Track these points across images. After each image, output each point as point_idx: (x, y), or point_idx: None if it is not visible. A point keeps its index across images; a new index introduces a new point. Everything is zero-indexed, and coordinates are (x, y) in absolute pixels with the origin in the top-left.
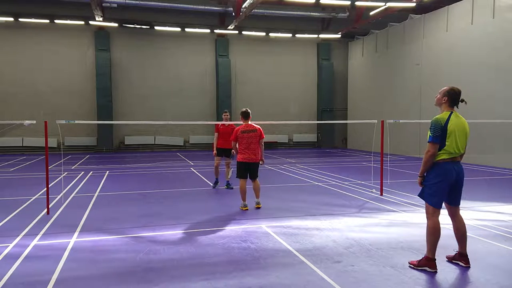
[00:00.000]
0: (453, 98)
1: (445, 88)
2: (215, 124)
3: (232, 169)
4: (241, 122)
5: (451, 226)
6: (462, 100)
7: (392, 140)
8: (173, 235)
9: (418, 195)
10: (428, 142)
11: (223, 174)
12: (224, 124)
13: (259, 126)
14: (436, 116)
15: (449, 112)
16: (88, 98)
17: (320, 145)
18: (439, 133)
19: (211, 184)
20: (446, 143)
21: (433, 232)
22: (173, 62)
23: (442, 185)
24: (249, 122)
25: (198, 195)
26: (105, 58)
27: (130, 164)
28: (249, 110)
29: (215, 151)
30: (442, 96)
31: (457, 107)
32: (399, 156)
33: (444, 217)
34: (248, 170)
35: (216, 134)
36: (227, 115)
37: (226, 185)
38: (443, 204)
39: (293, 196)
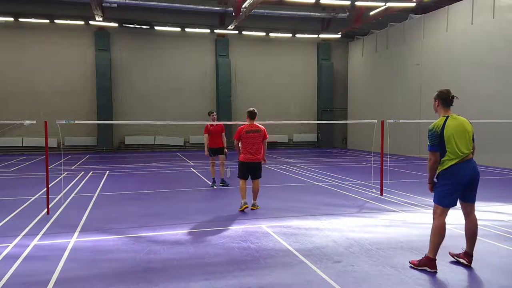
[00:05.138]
0: (444, 99)
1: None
2: (205, 124)
3: (229, 168)
4: (246, 122)
5: (455, 226)
6: (453, 97)
7: (392, 140)
8: (173, 235)
9: (433, 200)
10: (428, 151)
11: (218, 172)
12: (212, 124)
13: (263, 127)
14: (432, 124)
15: (445, 117)
16: (88, 98)
17: (320, 145)
18: (437, 141)
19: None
20: (447, 149)
21: (439, 233)
22: (173, 62)
23: (455, 187)
24: (255, 122)
25: (198, 195)
26: (105, 58)
27: (130, 164)
28: (255, 110)
29: (207, 152)
30: (434, 101)
31: (453, 105)
32: (399, 156)
33: (448, 218)
34: (250, 170)
35: (205, 135)
36: (214, 115)
37: (221, 183)
38: (458, 203)
39: (293, 196)
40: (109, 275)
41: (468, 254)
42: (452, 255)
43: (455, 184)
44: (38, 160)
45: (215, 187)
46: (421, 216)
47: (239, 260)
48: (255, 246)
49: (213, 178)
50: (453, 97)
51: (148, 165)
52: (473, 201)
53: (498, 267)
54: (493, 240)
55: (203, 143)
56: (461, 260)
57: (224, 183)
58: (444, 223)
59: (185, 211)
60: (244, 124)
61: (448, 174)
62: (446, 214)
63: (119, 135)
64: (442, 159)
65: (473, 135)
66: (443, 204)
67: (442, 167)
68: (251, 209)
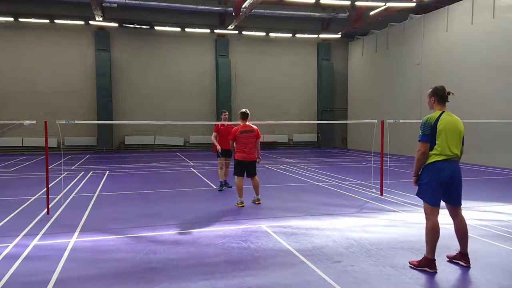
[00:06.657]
0: (439, 95)
1: (428, 91)
2: (215, 124)
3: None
4: (239, 122)
5: (452, 226)
6: (449, 93)
7: (392, 140)
8: (173, 235)
9: (416, 195)
10: (419, 141)
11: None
12: (223, 124)
13: (256, 127)
14: (427, 116)
15: (440, 112)
16: (88, 98)
17: (320, 145)
18: (429, 131)
19: (212, 185)
20: (437, 141)
21: (433, 233)
22: (173, 62)
23: (436, 183)
24: (247, 123)
25: (198, 195)
26: (105, 58)
27: (130, 164)
28: (248, 111)
29: (219, 147)
30: (429, 98)
31: (448, 101)
32: (399, 156)
33: (444, 217)
34: (245, 168)
35: (214, 133)
36: (226, 115)
37: (224, 184)
38: (444, 205)
39: (293, 196)
40: (109, 275)
41: (463, 255)
42: (450, 258)
43: (435, 182)
44: (38, 160)
45: (223, 190)
46: (421, 216)
47: (239, 260)
48: (255, 246)
49: (221, 182)
50: (449, 93)
51: (148, 165)
52: (459, 204)
53: (498, 267)
54: (493, 240)
55: (203, 143)
56: (459, 262)
57: (226, 184)
58: (437, 223)
59: (185, 211)
60: (238, 125)
61: (430, 171)
62: (437, 213)
63: (119, 135)
64: (429, 152)
65: (463, 137)
66: (430, 202)
67: (426, 162)
68: (255, 203)
